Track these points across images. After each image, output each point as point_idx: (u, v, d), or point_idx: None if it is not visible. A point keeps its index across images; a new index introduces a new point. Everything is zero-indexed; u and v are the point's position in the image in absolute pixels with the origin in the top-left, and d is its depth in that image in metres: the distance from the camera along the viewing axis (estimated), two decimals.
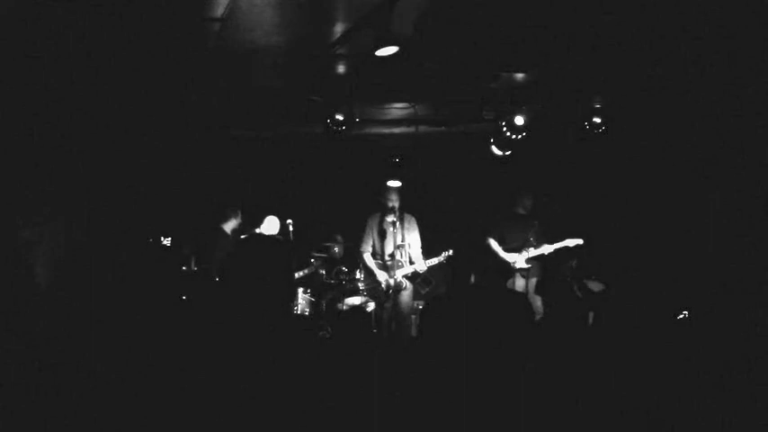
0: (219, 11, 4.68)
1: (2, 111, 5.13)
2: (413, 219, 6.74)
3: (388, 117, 7.26)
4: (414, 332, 7.01)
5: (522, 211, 7.08)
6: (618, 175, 7.41)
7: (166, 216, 7.24)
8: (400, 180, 7.32)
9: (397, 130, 7.37)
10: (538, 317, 6.34)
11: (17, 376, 2.74)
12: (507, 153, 6.94)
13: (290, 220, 7.00)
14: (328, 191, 8.14)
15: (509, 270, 6.94)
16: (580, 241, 6.79)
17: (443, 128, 7.32)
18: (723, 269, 6.11)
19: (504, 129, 6.62)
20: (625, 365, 2.94)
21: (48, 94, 5.45)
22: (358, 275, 6.97)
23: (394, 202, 6.57)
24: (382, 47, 4.81)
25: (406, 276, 6.58)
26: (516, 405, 1.80)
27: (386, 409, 1.96)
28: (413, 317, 7.08)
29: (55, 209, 5.54)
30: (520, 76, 6.02)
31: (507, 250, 6.97)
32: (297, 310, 6.85)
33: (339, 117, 6.56)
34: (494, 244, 7.09)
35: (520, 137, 6.61)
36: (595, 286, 6.95)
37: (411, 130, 7.30)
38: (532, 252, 6.85)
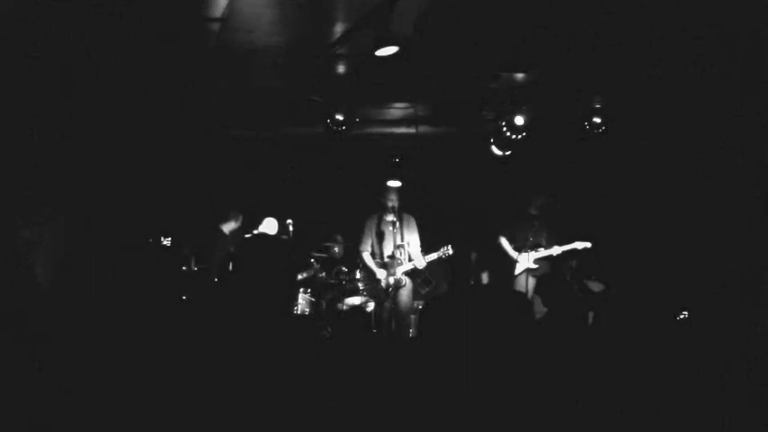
0: (219, 11, 4.68)
1: (2, 111, 5.12)
2: (412, 218, 6.75)
3: (388, 117, 7.26)
4: (414, 332, 7.02)
5: (533, 212, 7.06)
6: (618, 175, 7.40)
7: (166, 216, 7.23)
8: (400, 180, 7.32)
9: (397, 130, 7.37)
10: (538, 317, 6.33)
11: (17, 376, 2.74)
12: (507, 153, 6.94)
13: (290, 220, 7.00)
14: (328, 191, 8.14)
15: (516, 269, 6.94)
16: (588, 244, 6.77)
17: (443, 128, 7.32)
18: (723, 269, 6.11)
19: (504, 129, 6.62)
20: (625, 365, 2.94)
21: (48, 94, 5.45)
22: (358, 275, 6.97)
23: (393, 202, 6.57)
24: (382, 47, 4.81)
25: (405, 273, 6.59)
26: (516, 405, 1.80)
27: (386, 408, 1.96)
28: (412, 317, 7.08)
29: (55, 209, 5.54)
30: (520, 76, 6.02)
31: (517, 249, 6.96)
32: (297, 310, 6.85)
33: (339, 117, 6.57)
34: (504, 243, 7.09)
35: (520, 137, 6.61)
36: (595, 286, 6.95)
37: (411, 130, 7.30)
38: (542, 252, 6.85)
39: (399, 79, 6.10)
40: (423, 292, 8.33)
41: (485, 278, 8.11)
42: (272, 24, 5.00)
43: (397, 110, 7.11)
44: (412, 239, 6.67)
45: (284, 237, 6.94)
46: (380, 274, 6.59)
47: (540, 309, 5.26)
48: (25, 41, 4.85)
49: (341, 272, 7.24)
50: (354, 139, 7.03)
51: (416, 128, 7.26)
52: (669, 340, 3.73)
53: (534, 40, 5.20)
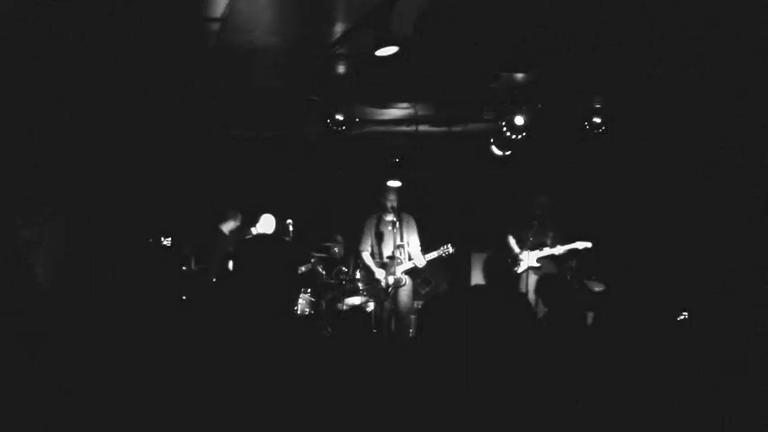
0: (219, 11, 4.68)
1: (2, 111, 5.12)
2: (411, 219, 6.75)
3: (388, 117, 7.26)
4: (413, 332, 7.02)
5: (536, 211, 7.06)
6: (618, 175, 7.40)
7: (166, 216, 7.24)
8: (400, 180, 7.33)
9: (397, 130, 7.37)
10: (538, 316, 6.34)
11: (17, 376, 2.73)
12: (507, 153, 6.94)
13: (290, 220, 7.00)
14: (328, 191, 8.14)
15: (518, 266, 6.94)
16: (589, 244, 6.78)
17: (443, 128, 7.32)
18: (723, 269, 6.11)
19: (504, 129, 6.62)
20: (625, 365, 2.94)
21: (48, 94, 5.45)
22: (358, 275, 6.98)
23: (393, 202, 6.58)
24: (382, 47, 4.81)
25: (405, 273, 6.59)
26: (516, 405, 1.80)
27: (386, 408, 1.96)
28: (412, 317, 7.08)
29: (55, 209, 5.54)
30: (520, 76, 6.02)
31: (523, 248, 6.96)
32: (297, 310, 6.85)
33: (339, 117, 6.57)
34: (512, 241, 7.10)
35: (520, 137, 6.61)
36: (595, 286, 6.95)
37: (411, 130, 7.30)
38: (546, 251, 6.85)
39: (399, 79, 6.10)
40: (423, 292, 8.34)
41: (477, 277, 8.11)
42: (272, 24, 5.00)
43: (397, 110, 7.11)
44: (412, 239, 6.67)
45: (285, 237, 6.94)
46: (380, 273, 6.59)
47: (540, 308, 5.26)
48: (25, 41, 4.84)
49: (341, 272, 7.25)
50: (354, 139, 7.03)
51: (416, 128, 7.26)
52: (669, 340, 3.74)
53: (534, 40, 5.20)
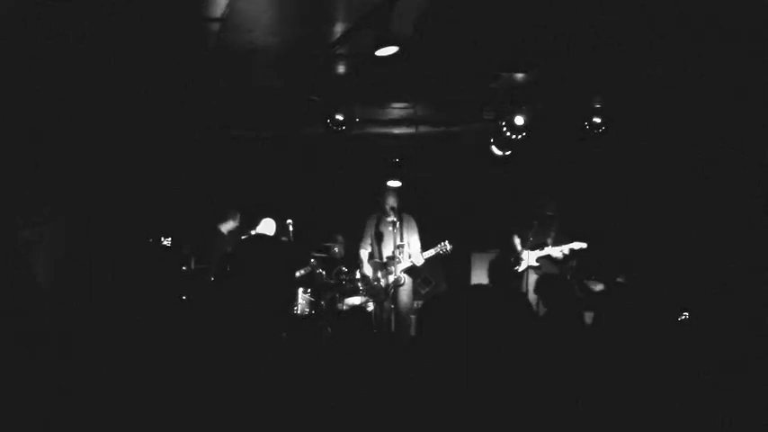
0: (219, 11, 4.68)
1: (2, 111, 5.12)
2: (412, 219, 6.76)
3: (388, 117, 7.26)
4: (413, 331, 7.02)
5: (546, 212, 7.04)
6: (618, 175, 7.40)
7: (166, 216, 7.24)
8: (400, 180, 7.33)
9: (397, 130, 7.37)
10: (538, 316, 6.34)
11: (17, 376, 2.73)
12: (507, 153, 6.94)
13: (289, 220, 6.99)
14: (328, 191, 8.14)
15: (520, 265, 6.94)
16: (584, 245, 6.77)
17: (443, 128, 7.32)
18: (723, 269, 6.11)
19: (504, 129, 6.62)
20: (625, 365, 2.94)
21: (48, 94, 5.45)
22: (358, 275, 6.98)
23: (393, 203, 6.59)
24: (382, 47, 4.81)
25: (404, 272, 6.60)
26: (516, 405, 1.80)
27: (386, 408, 1.96)
28: (412, 317, 7.08)
29: (55, 209, 5.54)
30: (520, 76, 6.02)
31: (524, 248, 6.96)
32: (297, 310, 6.85)
33: (339, 117, 6.57)
34: (516, 241, 7.10)
35: (520, 137, 6.61)
36: (595, 286, 6.95)
37: (411, 130, 7.30)
38: (544, 251, 6.85)
39: (399, 79, 6.10)
40: (423, 291, 8.33)
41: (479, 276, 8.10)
42: (272, 24, 5.00)
43: (397, 110, 7.11)
44: (412, 240, 6.68)
45: (283, 238, 6.93)
46: (378, 273, 6.61)
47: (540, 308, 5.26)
48: (25, 41, 4.85)
49: (341, 272, 7.24)
50: (354, 139, 7.03)
51: (416, 128, 7.26)
52: (669, 340, 3.74)
53: (534, 40, 5.20)
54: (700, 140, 6.54)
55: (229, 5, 4.58)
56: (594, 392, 2.54)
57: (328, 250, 7.40)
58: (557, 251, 6.82)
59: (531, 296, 6.37)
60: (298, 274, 7.09)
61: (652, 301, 5.99)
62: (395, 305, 6.69)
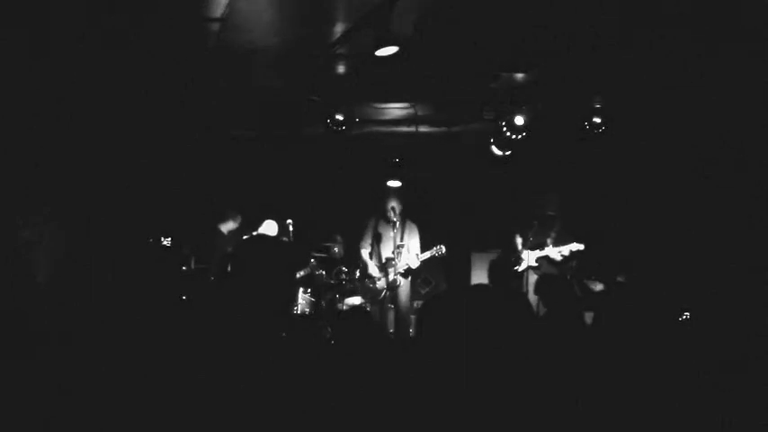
0: (219, 11, 4.68)
1: (2, 111, 5.12)
2: (414, 226, 6.80)
3: (388, 117, 7.26)
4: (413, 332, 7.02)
5: (548, 211, 7.03)
6: (618, 175, 7.40)
7: (166, 216, 7.23)
8: (400, 180, 7.33)
9: (397, 130, 7.37)
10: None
11: (17, 376, 2.73)
12: (507, 153, 6.94)
13: (289, 221, 6.99)
14: (328, 191, 8.14)
15: (520, 265, 6.93)
16: (581, 247, 6.77)
17: (443, 128, 7.32)
18: (723, 269, 6.11)
19: (504, 129, 6.62)
20: (625, 365, 2.94)
21: (48, 94, 5.45)
22: (359, 274, 7.00)
23: (394, 204, 6.62)
24: (382, 47, 4.81)
25: (400, 274, 6.60)
26: (516, 405, 1.80)
27: (386, 408, 1.96)
28: (412, 317, 7.08)
29: (55, 209, 5.53)
30: (520, 76, 6.02)
31: (525, 248, 6.95)
32: (297, 310, 6.85)
33: (339, 117, 6.57)
34: (518, 241, 7.10)
35: (520, 137, 6.61)
36: (595, 286, 6.95)
37: (411, 130, 7.30)
38: (545, 251, 6.85)
39: (399, 79, 6.10)
40: (423, 291, 8.33)
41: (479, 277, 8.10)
42: (272, 24, 5.00)
43: (397, 110, 7.11)
44: (412, 243, 6.70)
45: (284, 238, 6.93)
46: (374, 270, 6.65)
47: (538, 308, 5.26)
48: (25, 41, 4.84)
49: (341, 272, 7.24)
50: (354, 139, 7.03)
51: (416, 128, 7.26)
52: (669, 340, 3.73)
53: (534, 40, 5.20)
54: (700, 140, 6.53)
55: (229, 5, 4.58)
56: (594, 392, 2.54)
57: (328, 250, 7.40)
58: (555, 252, 6.81)
59: (531, 296, 6.38)
60: (298, 275, 7.09)
61: (652, 300, 5.98)
62: (394, 305, 6.70)
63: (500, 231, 7.31)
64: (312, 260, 7.26)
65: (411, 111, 7.07)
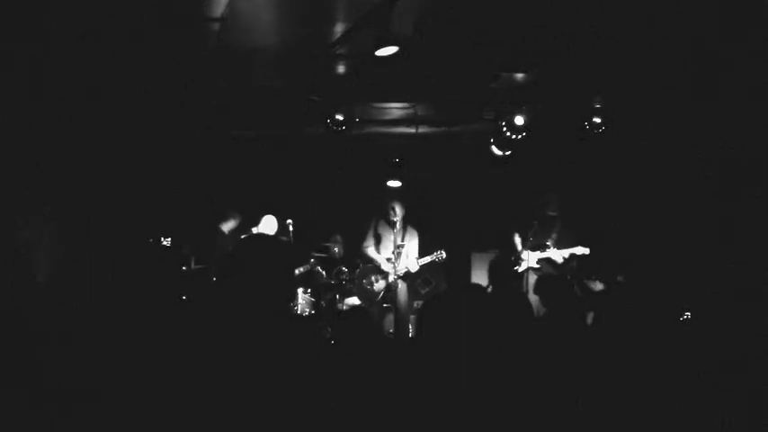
0: (219, 11, 4.68)
1: (2, 111, 5.12)
2: (415, 232, 6.82)
3: (388, 117, 7.26)
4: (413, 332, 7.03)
5: (549, 213, 7.04)
6: (618, 175, 7.40)
7: (166, 216, 7.23)
8: (400, 180, 7.34)
9: (397, 130, 7.37)
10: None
11: (17, 376, 2.74)
12: (507, 153, 6.94)
13: (289, 220, 7.00)
14: (328, 191, 8.14)
15: (520, 265, 6.92)
16: (587, 251, 6.77)
17: (443, 128, 7.32)
18: (723, 269, 6.10)
19: (504, 129, 6.62)
20: (625, 365, 2.94)
21: (48, 94, 5.45)
22: (357, 273, 7.01)
23: (396, 205, 6.65)
24: (382, 47, 4.81)
25: (399, 277, 6.62)
26: (516, 405, 1.80)
27: (386, 408, 1.96)
28: (412, 317, 7.09)
29: (55, 209, 5.53)
30: (520, 76, 6.02)
31: (525, 248, 6.95)
32: (297, 310, 6.85)
33: (339, 117, 6.57)
34: (517, 240, 7.09)
35: (520, 137, 6.61)
36: (595, 286, 6.95)
37: (411, 130, 7.30)
38: (546, 254, 6.85)
39: (399, 79, 6.10)
40: (423, 291, 8.34)
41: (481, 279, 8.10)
42: (272, 24, 5.00)
43: (397, 110, 7.11)
44: (410, 248, 6.73)
45: (283, 238, 6.93)
46: (372, 277, 6.68)
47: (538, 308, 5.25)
48: (25, 41, 4.84)
49: (341, 272, 7.24)
50: (354, 139, 7.04)
51: (416, 128, 7.26)
52: (669, 340, 3.73)
53: (534, 40, 5.20)
54: (700, 140, 6.53)
55: (229, 5, 4.58)
56: (594, 392, 2.54)
57: (328, 250, 7.40)
58: (558, 255, 6.81)
59: (531, 296, 6.38)
60: (297, 271, 7.09)
61: (652, 300, 5.98)
62: (394, 305, 6.72)
63: (500, 231, 7.31)
64: (312, 260, 7.26)
65: (411, 111, 7.07)
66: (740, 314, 5.41)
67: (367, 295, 6.80)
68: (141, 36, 4.94)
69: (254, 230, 7.11)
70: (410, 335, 6.90)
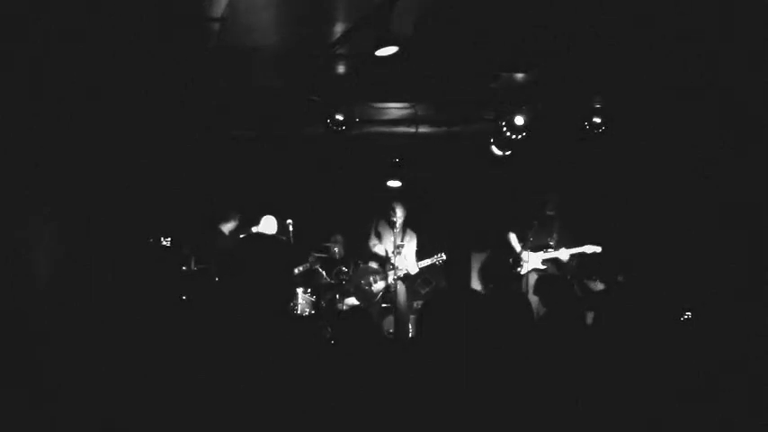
0: (219, 11, 4.68)
1: (2, 111, 5.12)
2: (414, 234, 6.84)
3: (388, 117, 7.26)
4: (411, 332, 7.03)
5: (548, 212, 7.03)
6: (617, 175, 7.40)
7: (166, 216, 7.23)
8: (400, 180, 7.34)
9: (397, 130, 7.37)
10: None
11: (17, 376, 2.74)
12: (507, 153, 6.94)
13: (289, 220, 7.00)
14: (328, 191, 8.14)
15: (521, 266, 6.91)
16: (598, 249, 6.76)
17: (443, 128, 7.32)
18: (723, 269, 6.10)
19: (504, 129, 6.62)
20: (625, 365, 2.94)
21: (48, 94, 5.45)
22: (357, 272, 7.03)
23: (396, 206, 6.66)
24: (382, 47, 4.81)
25: (398, 278, 6.63)
26: (516, 404, 1.80)
27: (386, 408, 1.96)
28: (411, 317, 7.09)
29: (55, 209, 5.53)
30: (520, 76, 6.02)
31: (524, 248, 6.93)
32: (297, 310, 6.85)
33: (339, 117, 6.57)
34: (513, 239, 7.07)
35: (520, 137, 6.61)
36: (595, 286, 6.94)
37: (411, 130, 7.30)
38: (551, 254, 6.84)
39: (399, 79, 6.10)
40: (423, 292, 8.34)
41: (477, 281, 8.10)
42: (272, 24, 5.01)
43: (397, 110, 7.11)
44: (409, 250, 6.74)
45: (283, 237, 6.94)
46: (370, 278, 6.70)
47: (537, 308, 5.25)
48: (25, 41, 4.84)
49: (341, 272, 7.24)
50: (354, 139, 7.04)
51: (416, 128, 7.26)
52: (669, 340, 3.73)
53: (534, 40, 5.20)
54: (700, 140, 6.53)
55: (229, 5, 4.58)
56: (594, 392, 2.54)
57: (328, 250, 7.40)
58: (566, 254, 6.79)
59: (531, 296, 6.38)
60: (297, 270, 7.09)
61: (652, 300, 5.98)
62: (393, 305, 6.72)
63: (500, 231, 7.31)
64: (311, 259, 7.25)
65: (411, 111, 7.07)
66: (740, 314, 5.42)
67: (365, 296, 6.80)
68: (141, 36, 4.94)
69: (254, 230, 7.11)
70: (410, 335, 6.90)
